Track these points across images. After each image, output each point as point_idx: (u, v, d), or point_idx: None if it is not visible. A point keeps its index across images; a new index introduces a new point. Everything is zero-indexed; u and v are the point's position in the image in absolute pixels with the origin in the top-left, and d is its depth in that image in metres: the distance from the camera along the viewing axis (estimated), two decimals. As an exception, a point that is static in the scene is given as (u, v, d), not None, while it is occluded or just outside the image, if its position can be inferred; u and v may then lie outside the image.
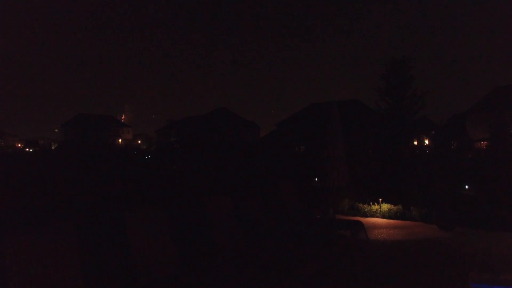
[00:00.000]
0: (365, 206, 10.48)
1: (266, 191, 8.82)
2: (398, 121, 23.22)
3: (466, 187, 13.43)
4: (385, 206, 10.23)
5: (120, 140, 57.96)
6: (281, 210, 8.00)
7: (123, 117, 74.85)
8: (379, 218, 10.06)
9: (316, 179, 14.09)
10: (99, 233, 5.07)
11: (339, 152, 8.92)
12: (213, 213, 5.99)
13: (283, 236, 6.92)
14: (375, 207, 10.33)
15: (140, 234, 5.18)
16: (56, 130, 63.95)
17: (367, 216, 10.19)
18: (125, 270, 4.70)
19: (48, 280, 3.98)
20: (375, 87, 23.93)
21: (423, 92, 24.10)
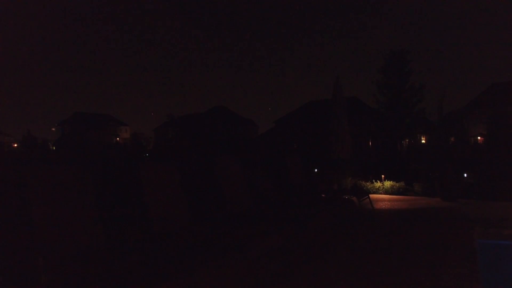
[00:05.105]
0: (368, 183, 10.58)
1: (272, 164, 8.89)
2: (397, 114, 23.30)
3: (465, 175, 13.62)
4: (388, 183, 10.34)
5: (118, 138, 57.80)
6: (286, 179, 8.09)
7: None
8: (382, 195, 10.16)
9: (315, 169, 14.21)
10: (115, 180, 5.13)
11: (344, 125, 9.02)
12: (222, 170, 6.06)
13: (288, 199, 7.00)
14: (378, 184, 10.44)
15: (154, 186, 5.24)
16: (53, 129, 63.57)
17: (370, 193, 10.27)
18: (139, 215, 4.75)
19: (68, 215, 4.04)
20: (373, 81, 23.89)
21: (421, 85, 24.05)
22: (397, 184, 10.21)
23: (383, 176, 10.51)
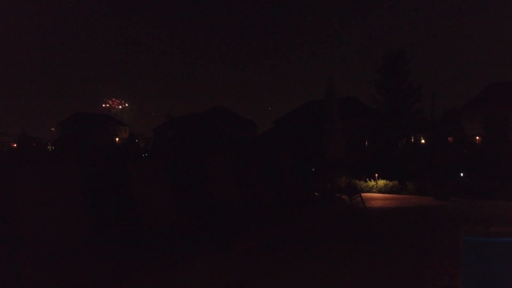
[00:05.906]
0: (362, 182, 10.64)
1: (266, 163, 8.93)
2: (395, 114, 23.31)
3: (461, 175, 13.64)
4: (381, 182, 10.39)
5: (117, 139, 57.85)
6: (280, 178, 8.14)
7: (111, 104, 74.25)
8: (375, 193, 10.22)
9: (312, 169, 14.26)
10: (103, 177, 5.18)
11: (336, 125, 9.07)
12: (213, 168, 6.12)
13: (278, 196, 7.05)
14: (372, 183, 10.49)
15: (143, 183, 5.30)
16: (53, 129, 63.55)
17: (364, 192, 10.32)
18: (127, 212, 4.81)
19: (54, 211, 4.10)
20: (371, 80, 23.89)
21: (419, 85, 24.05)
22: (391, 183, 10.26)
23: (376, 175, 10.56)
